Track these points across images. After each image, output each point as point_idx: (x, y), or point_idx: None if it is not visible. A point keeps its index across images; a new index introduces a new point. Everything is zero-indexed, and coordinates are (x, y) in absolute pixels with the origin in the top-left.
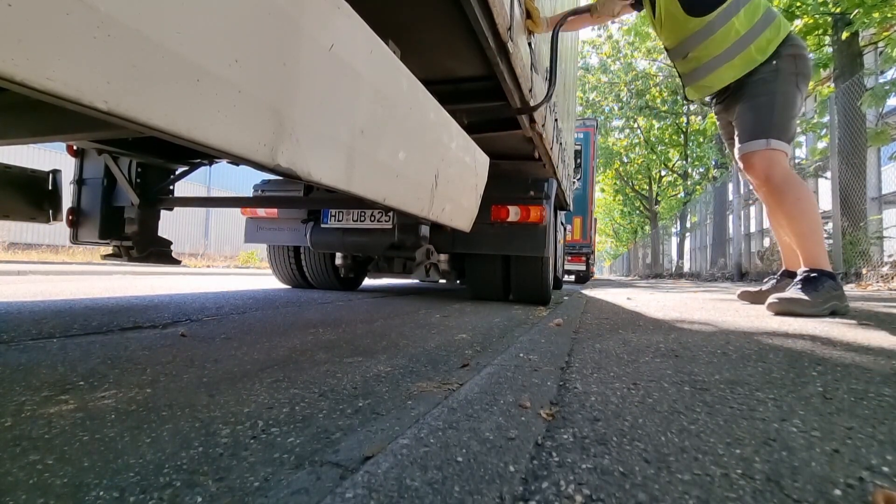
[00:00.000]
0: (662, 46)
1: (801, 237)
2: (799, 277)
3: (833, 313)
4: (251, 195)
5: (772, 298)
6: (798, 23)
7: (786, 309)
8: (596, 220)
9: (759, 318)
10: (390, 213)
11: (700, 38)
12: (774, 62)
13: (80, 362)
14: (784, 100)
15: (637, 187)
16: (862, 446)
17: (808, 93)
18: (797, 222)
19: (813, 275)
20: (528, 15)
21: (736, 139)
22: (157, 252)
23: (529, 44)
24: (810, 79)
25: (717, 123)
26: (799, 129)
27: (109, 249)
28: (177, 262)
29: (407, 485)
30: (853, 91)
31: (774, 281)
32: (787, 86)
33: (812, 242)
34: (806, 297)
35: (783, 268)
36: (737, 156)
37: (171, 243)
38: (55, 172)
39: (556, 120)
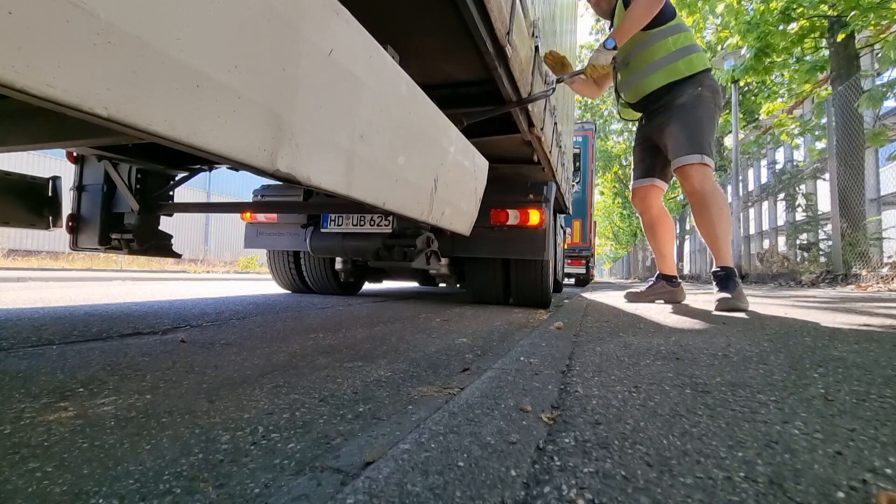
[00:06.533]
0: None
1: (719, 239)
2: (717, 278)
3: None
4: (251, 200)
5: (718, 298)
6: (794, 26)
7: (730, 306)
8: (595, 223)
9: (759, 321)
10: (390, 217)
11: (641, 48)
12: (699, 88)
13: (80, 369)
14: (710, 123)
15: None
16: (864, 448)
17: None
18: (717, 227)
19: (722, 273)
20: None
21: (668, 152)
22: (158, 245)
23: (537, 47)
24: (722, 113)
25: (636, 137)
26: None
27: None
28: (177, 256)
29: (408, 490)
30: (850, 93)
31: (653, 282)
32: (710, 112)
33: (726, 244)
34: (731, 294)
35: (658, 272)
36: (672, 166)
37: (171, 237)
38: (55, 179)
39: (555, 123)
